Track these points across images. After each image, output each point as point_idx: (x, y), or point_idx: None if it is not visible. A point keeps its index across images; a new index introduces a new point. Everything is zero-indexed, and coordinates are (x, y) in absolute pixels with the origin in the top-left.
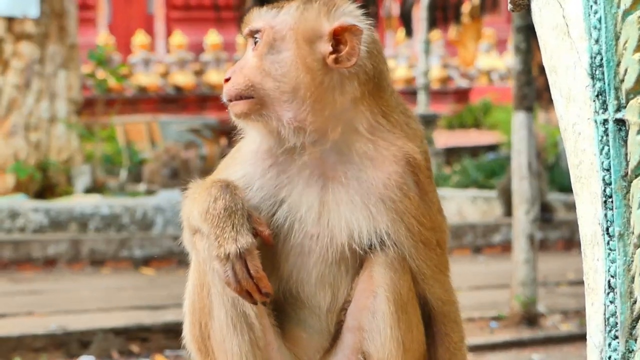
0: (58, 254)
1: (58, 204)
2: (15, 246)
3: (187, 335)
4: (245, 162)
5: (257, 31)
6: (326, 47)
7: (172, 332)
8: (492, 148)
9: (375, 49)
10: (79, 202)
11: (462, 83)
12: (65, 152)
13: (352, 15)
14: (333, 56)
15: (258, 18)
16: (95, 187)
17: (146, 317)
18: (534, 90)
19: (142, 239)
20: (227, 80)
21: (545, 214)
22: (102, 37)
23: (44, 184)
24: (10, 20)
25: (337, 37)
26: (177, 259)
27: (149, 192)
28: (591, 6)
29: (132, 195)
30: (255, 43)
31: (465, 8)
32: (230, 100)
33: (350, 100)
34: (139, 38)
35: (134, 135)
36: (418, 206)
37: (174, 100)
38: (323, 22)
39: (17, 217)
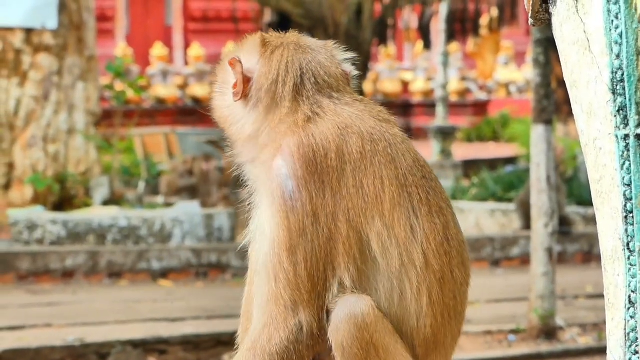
0: (76, 266)
1: (76, 216)
2: (33, 258)
3: (239, 336)
4: None
5: None
6: (230, 88)
7: (190, 345)
8: (511, 161)
9: (269, 62)
10: (97, 214)
11: (481, 95)
12: (83, 163)
13: (240, 51)
14: (232, 91)
15: None
16: (114, 199)
17: (164, 329)
18: (553, 103)
19: (160, 251)
20: None
21: (563, 227)
22: (121, 48)
23: (62, 196)
24: (28, 31)
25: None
26: (195, 271)
27: (167, 204)
28: (612, 21)
29: (150, 207)
30: None
31: (484, 20)
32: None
33: (257, 121)
34: (157, 50)
35: (152, 147)
36: (282, 202)
37: (192, 112)
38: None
39: (35, 228)
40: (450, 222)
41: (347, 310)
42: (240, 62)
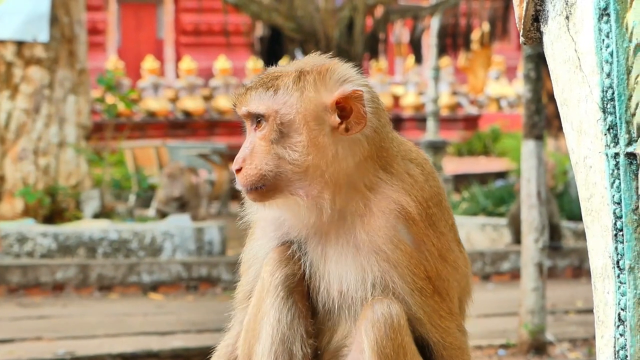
0: (66, 279)
1: (67, 229)
2: (23, 271)
3: (239, 348)
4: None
5: (259, 115)
6: (333, 118)
7: (180, 358)
8: (501, 175)
9: (377, 102)
10: (88, 227)
11: (472, 110)
12: (74, 176)
13: (347, 79)
14: (343, 126)
15: (258, 102)
16: (104, 212)
17: (154, 342)
18: (543, 118)
19: (150, 265)
20: (238, 170)
21: (555, 241)
22: (112, 62)
23: (53, 209)
24: (20, 44)
25: (341, 105)
26: (185, 284)
27: (161, 214)
28: (603, 40)
29: (140, 220)
30: (256, 126)
31: (475, 35)
32: (245, 189)
33: (357, 161)
34: (149, 63)
35: (143, 160)
36: (411, 256)
37: (183, 125)
38: (323, 94)
39: (26, 241)
40: None
41: (384, 310)
42: (363, 94)
